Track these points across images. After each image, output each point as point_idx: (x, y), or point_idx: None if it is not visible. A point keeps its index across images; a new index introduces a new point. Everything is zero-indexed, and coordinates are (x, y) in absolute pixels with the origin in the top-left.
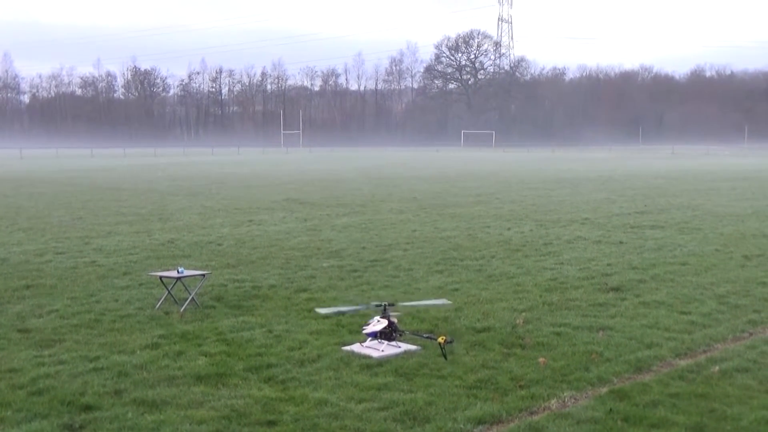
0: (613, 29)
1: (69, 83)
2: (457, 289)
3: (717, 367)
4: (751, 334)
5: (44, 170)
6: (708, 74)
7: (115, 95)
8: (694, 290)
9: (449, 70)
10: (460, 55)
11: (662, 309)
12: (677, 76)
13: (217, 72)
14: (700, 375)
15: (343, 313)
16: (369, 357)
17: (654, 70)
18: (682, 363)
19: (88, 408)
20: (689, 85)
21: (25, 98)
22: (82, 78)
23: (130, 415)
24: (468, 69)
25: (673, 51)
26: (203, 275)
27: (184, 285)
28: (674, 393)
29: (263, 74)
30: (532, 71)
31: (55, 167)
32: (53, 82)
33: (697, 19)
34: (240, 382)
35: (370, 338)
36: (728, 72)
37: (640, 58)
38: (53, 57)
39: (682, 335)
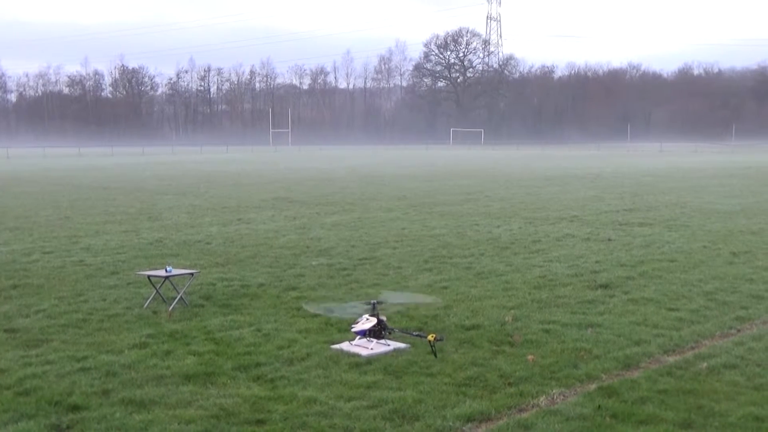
0: (601, 27)
1: (56, 82)
2: (446, 287)
3: (705, 364)
4: (738, 330)
5: (31, 169)
6: (696, 72)
7: (102, 94)
8: (682, 287)
9: (438, 68)
10: (448, 53)
11: (650, 306)
12: (665, 74)
13: (205, 70)
14: (688, 371)
15: (332, 313)
16: (358, 355)
17: (642, 68)
18: (670, 359)
19: (75, 408)
20: (677, 83)
21: (12, 97)
22: (69, 77)
23: (118, 414)
24: (457, 67)
25: (661, 49)
26: (192, 274)
27: (172, 284)
28: (662, 389)
29: (252, 73)
30: (521, 69)
31: (43, 166)
32: (40, 80)
33: (685, 17)
34: (228, 381)
35: (359, 336)
36: (716, 70)
37: (628, 56)
38: (40, 55)
39: (670, 332)
